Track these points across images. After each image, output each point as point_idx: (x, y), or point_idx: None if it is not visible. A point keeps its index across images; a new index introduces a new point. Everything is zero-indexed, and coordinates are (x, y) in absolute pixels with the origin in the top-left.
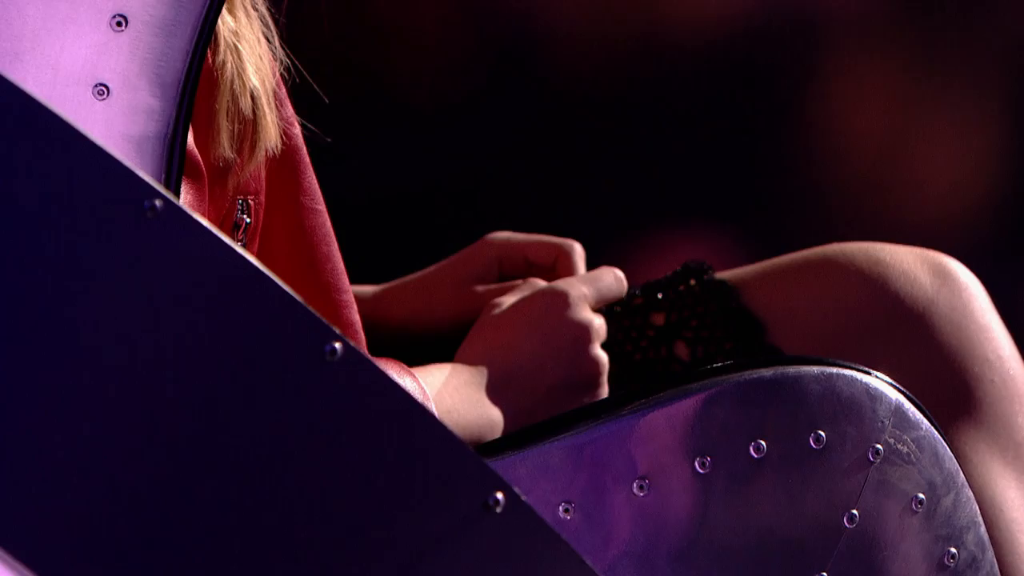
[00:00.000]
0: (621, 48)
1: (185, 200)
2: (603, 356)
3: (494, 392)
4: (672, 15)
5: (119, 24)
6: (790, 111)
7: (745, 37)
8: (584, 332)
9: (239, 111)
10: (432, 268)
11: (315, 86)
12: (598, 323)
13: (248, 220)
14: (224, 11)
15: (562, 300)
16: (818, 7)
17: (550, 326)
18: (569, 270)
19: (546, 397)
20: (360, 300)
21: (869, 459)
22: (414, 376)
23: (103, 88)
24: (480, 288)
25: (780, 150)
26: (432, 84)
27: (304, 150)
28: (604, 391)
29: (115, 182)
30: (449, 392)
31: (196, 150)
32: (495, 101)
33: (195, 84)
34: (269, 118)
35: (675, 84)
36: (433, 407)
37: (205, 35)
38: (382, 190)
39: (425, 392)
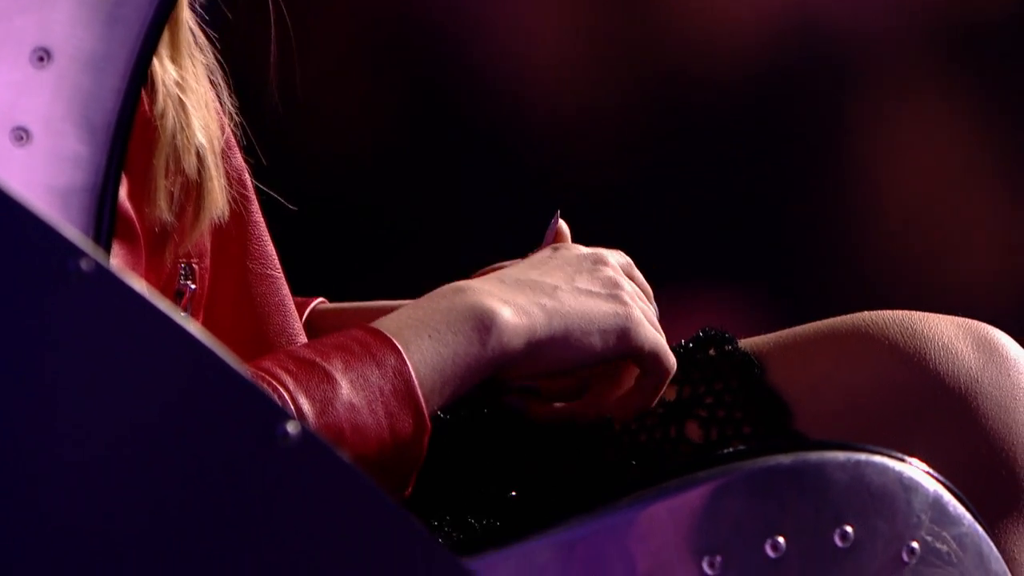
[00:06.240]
0: (639, 96)
1: (117, 263)
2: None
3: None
4: (696, 61)
5: (41, 59)
6: (820, 162)
7: (772, 81)
8: (601, 257)
9: (181, 170)
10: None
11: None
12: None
13: (193, 286)
14: (166, 59)
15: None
16: (849, 49)
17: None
18: None
19: (557, 296)
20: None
21: (903, 559)
22: (396, 350)
23: (23, 132)
24: None
25: (807, 204)
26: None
27: (255, 206)
28: (635, 312)
29: (36, 240)
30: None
31: (131, 208)
32: (509, 145)
33: (128, 129)
34: (216, 182)
35: (699, 133)
36: (418, 388)
37: (140, 72)
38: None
39: (408, 368)
